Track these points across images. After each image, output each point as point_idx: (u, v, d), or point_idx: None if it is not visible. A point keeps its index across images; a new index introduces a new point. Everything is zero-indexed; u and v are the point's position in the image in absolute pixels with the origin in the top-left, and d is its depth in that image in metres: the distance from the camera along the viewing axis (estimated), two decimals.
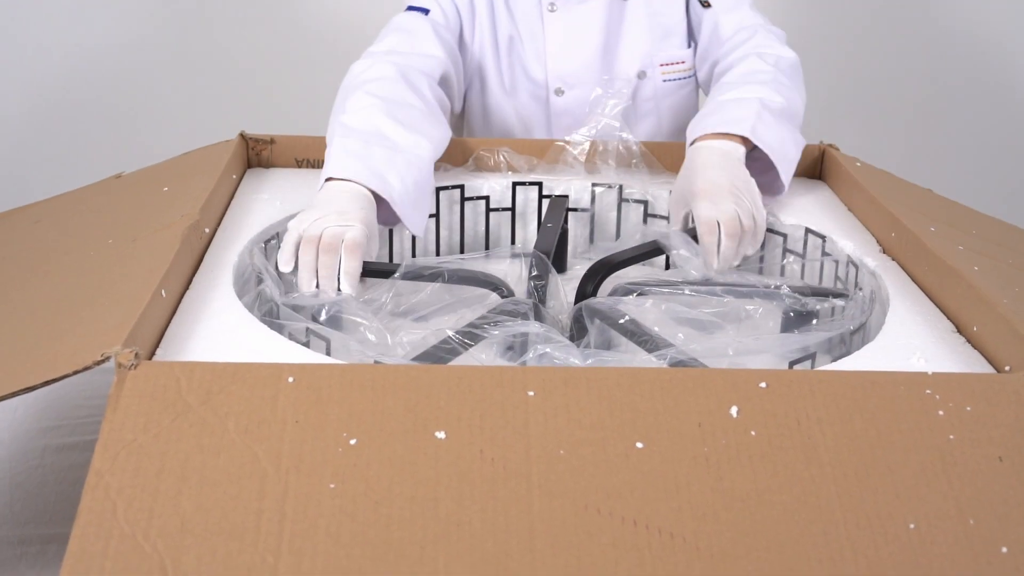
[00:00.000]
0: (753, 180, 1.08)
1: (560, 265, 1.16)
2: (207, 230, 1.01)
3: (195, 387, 0.68)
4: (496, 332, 0.87)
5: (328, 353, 0.86)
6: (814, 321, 0.96)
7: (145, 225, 0.97)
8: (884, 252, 1.04)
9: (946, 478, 0.64)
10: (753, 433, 0.67)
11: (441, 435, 0.66)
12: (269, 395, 0.68)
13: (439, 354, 0.86)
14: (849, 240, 1.07)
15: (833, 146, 1.28)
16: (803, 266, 1.13)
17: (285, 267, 0.96)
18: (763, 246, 1.11)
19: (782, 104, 1.16)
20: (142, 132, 2.46)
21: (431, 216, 1.21)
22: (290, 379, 0.69)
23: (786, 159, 1.14)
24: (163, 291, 0.81)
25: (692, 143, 1.15)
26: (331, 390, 0.69)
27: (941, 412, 0.68)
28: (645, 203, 1.23)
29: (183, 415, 0.66)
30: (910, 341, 0.84)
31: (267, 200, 1.15)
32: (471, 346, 0.87)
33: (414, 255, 1.23)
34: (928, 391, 0.69)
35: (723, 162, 1.09)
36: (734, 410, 0.68)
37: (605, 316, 0.93)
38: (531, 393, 0.69)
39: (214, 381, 0.69)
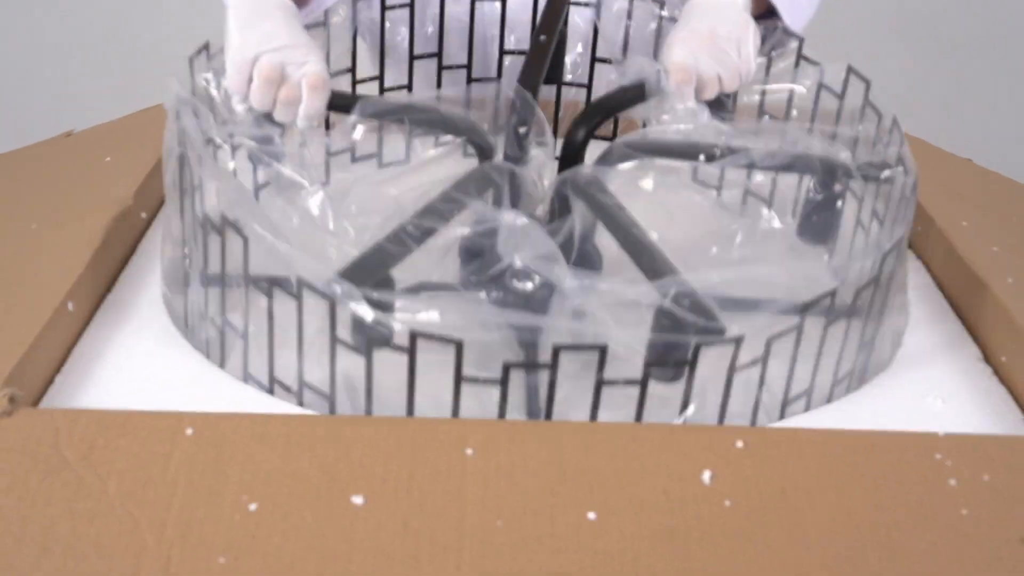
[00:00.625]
0: (752, 23, 0.90)
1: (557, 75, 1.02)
2: (144, 215, 0.89)
3: (76, 439, 0.58)
4: (458, 230, 0.71)
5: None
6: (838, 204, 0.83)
7: (75, 206, 0.85)
8: (910, 247, 0.90)
9: (957, 562, 0.53)
10: (728, 503, 0.56)
11: (359, 500, 0.56)
12: (162, 451, 0.58)
13: (387, 253, 0.68)
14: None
15: None
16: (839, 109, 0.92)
17: (250, 103, 0.80)
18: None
19: None
20: (108, 77, 2.21)
21: (402, 6, 1.03)
22: (189, 431, 0.59)
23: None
24: (70, 304, 0.71)
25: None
26: (235, 445, 0.59)
27: (953, 482, 0.57)
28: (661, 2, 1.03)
29: (55, 473, 0.56)
30: (927, 372, 0.73)
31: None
32: (424, 239, 0.70)
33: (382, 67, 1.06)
34: (938, 456, 0.59)
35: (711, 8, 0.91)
36: (707, 475, 0.58)
37: (591, 199, 0.75)
38: (470, 451, 0.59)
39: (100, 433, 0.59)
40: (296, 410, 0.67)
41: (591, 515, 0.55)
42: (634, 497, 0.56)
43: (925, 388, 0.71)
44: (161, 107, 1.08)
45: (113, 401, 0.67)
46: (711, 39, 0.87)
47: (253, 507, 0.55)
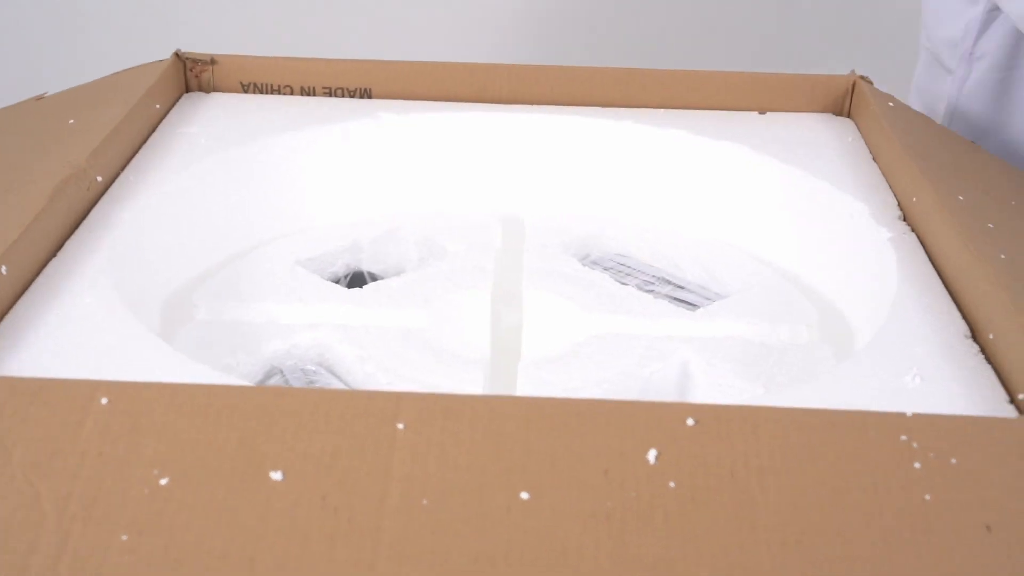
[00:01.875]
0: None
1: None
2: (99, 178, 0.85)
3: None
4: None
5: None
6: None
7: (30, 170, 0.81)
8: (904, 219, 0.87)
9: (915, 550, 0.49)
10: (672, 484, 0.52)
11: (277, 476, 0.52)
12: (73, 420, 0.55)
13: None
14: (865, 202, 0.89)
15: (866, 79, 1.06)
16: None
17: None
18: None
19: None
20: (93, 39, 2.10)
21: None
22: (103, 400, 0.56)
23: None
24: (3, 267, 0.68)
25: None
26: (152, 415, 0.55)
27: (918, 464, 0.53)
28: None
29: None
30: (909, 348, 0.68)
31: (193, 135, 0.98)
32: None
33: None
34: (904, 437, 0.54)
35: None
36: (652, 454, 0.54)
37: None
38: (400, 426, 0.55)
39: (9, 401, 0.56)
40: (225, 380, 0.64)
41: (524, 495, 0.52)
42: (571, 477, 0.53)
43: (905, 365, 0.66)
44: (138, 69, 1.05)
45: (41, 371, 0.64)
46: None
47: (164, 481, 0.52)
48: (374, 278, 0.99)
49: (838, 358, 0.81)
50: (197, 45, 1.13)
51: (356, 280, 0.99)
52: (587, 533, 0.50)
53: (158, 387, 0.57)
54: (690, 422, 0.55)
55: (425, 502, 0.51)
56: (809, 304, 0.88)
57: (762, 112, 1.07)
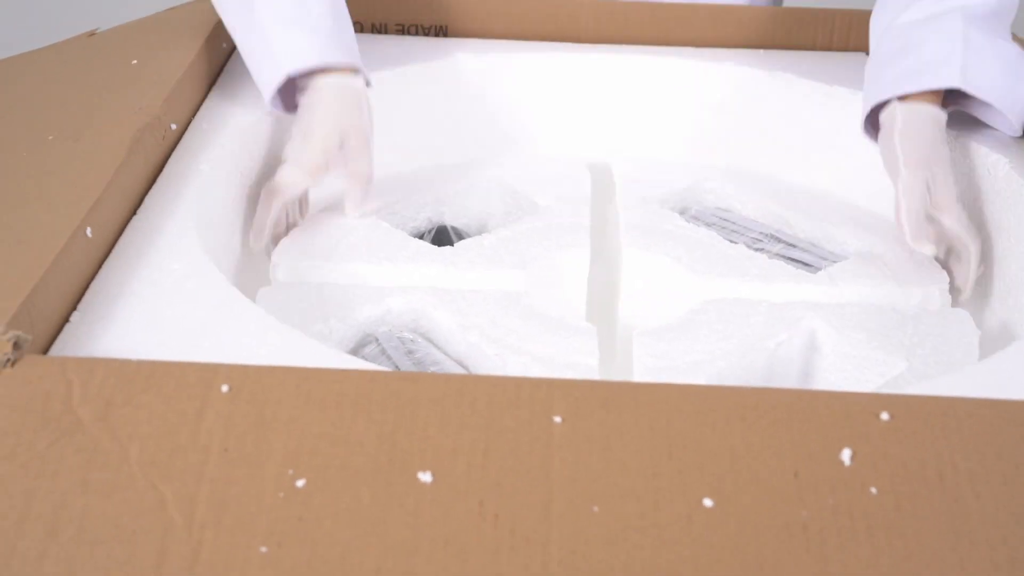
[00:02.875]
0: None
1: None
2: (173, 126, 0.79)
3: (92, 395, 0.49)
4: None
5: None
6: None
7: (96, 115, 0.75)
8: None
9: None
10: (874, 491, 0.46)
11: (426, 477, 0.47)
12: (193, 410, 0.49)
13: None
14: (1004, 155, 0.81)
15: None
16: None
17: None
18: None
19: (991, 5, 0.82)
20: None
21: None
22: (224, 388, 0.50)
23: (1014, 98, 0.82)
24: (88, 229, 0.62)
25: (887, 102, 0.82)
26: (279, 405, 0.49)
27: None
28: None
29: (68, 436, 0.47)
30: None
31: None
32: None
33: None
34: None
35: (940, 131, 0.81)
36: (846, 454, 0.48)
37: None
38: (557, 419, 0.49)
39: (120, 387, 0.50)
40: (353, 362, 0.58)
41: (707, 501, 0.46)
42: (758, 480, 0.47)
43: None
44: (194, 4, 0.98)
45: (138, 348, 0.57)
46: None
47: (301, 483, 0.46)
48: (458, 233, 0.93)
49: (979, 324, 0.74)
50: None
51: (440, 236, 0.92)
52: (783, 549, 0.44)
53: (283, 372, 0.51)
54: (884, 416, 0.49)
55: (596, 509, 0.46)
56: (936, 264, 0.82)
57: None
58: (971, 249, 0.77)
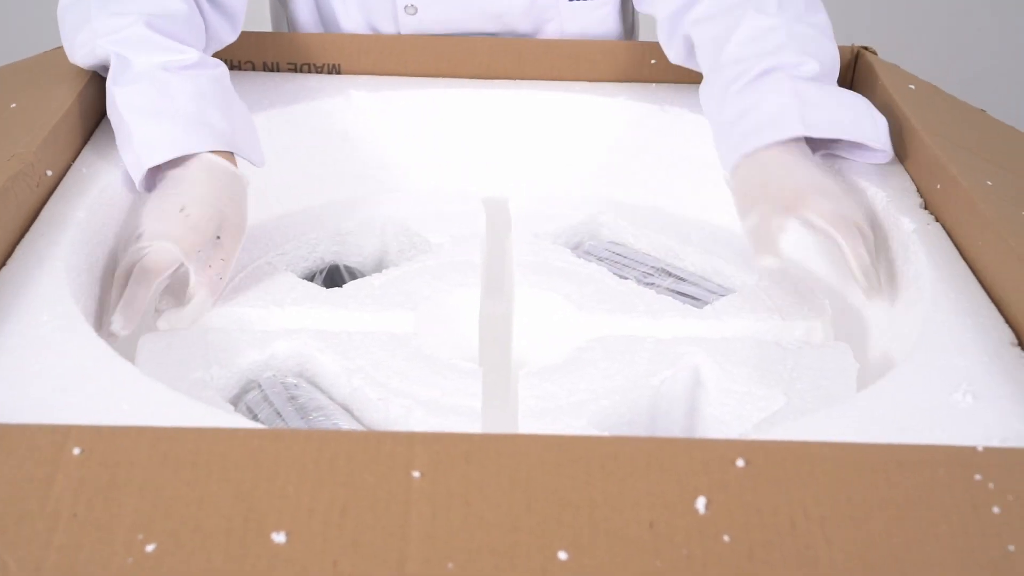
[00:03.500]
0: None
1: None
2: (49, 172, 0.77)
3: None
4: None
5: None
6: None
7: None
8: (926, 207, 0.81)
9: None
10: (727, 539, 0.47)
11: (280, 538, 0.46)
12: (43, 475, 0.48)
13: None
14: (882, 188, 0.83)
15: (869, 49, 1.00)
16: None
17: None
18: None
19: (814, 69, 0.86)
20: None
21: None
22: (76, 450, 0.49)
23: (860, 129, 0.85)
24: None
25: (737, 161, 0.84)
26: (132, 467, 0.49)
27: (997, 509, 0.48)
28: None
29: None
30: (952, 359, 0.63)
31: None
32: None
33: None
34: (979, 476, 0.49)
35: (804, 160, 0.82)
36: (701, 502, 0.48)
37: None
38: (416, 474, 0.49)
39: None
40: (221, 416, 0.57)
41: (561, 555, 0.46)
42: (613, 531, 0.47)
43: (952, 380, 0.61)
44: None
45: None
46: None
47: (151, 548, 0.45)
48: (351, 273, 0.92)
49: (858, 359, 0.75)
50: None
51: (333, 275, 0.92)
52: None
53: (136, 431, 0.50)
54: (740, 463, 0.50)
55: (450, 566, 0.45)
56: (820, 297, 0.83)
57: None
58: (838, 240, 0.76)
